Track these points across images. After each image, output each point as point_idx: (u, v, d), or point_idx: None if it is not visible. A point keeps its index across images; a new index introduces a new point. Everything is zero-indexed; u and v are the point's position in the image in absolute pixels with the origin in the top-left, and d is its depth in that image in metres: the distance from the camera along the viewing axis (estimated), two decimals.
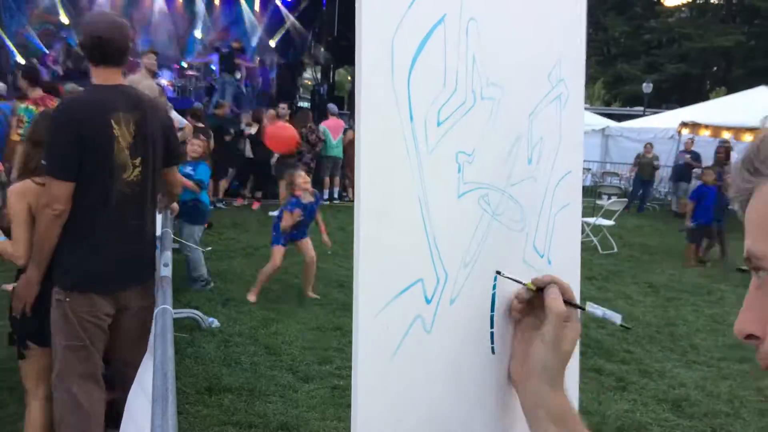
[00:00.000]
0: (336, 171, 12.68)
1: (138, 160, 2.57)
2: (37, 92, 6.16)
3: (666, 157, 15.38)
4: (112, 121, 2.47)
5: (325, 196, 12.19)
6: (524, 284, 0.86)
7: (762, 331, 0.56)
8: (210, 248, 7.96)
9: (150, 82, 6.67)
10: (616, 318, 0.84)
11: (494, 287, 0.89)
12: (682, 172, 14.35)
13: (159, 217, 3.85)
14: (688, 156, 14.12)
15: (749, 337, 0.57)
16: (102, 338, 2.58)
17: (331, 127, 12.23)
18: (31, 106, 6.05)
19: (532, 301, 0.87)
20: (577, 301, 1.05)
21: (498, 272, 0.88)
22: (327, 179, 12.55)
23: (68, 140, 2.39)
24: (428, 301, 0.79)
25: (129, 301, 2.64)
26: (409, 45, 0.74)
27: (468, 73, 0.84)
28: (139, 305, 2.70)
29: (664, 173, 15.90)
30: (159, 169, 2.71)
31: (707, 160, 13.39)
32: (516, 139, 0.94)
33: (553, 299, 0.82)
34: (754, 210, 0.57)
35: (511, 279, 0.87)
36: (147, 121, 2.59)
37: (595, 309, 0.87)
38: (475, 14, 0.84)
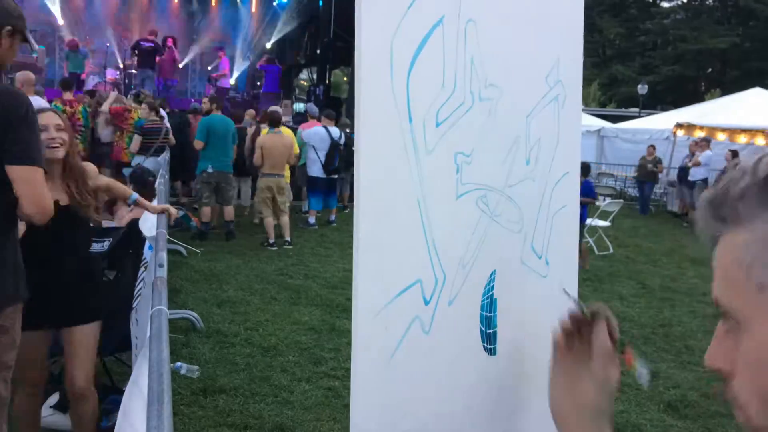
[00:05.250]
0: None
1: None
2: (67, 95, 9.36)
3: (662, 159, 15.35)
4: None
5: (304, 209, 10.67)
6: (583, 312, 0.84)
7: (729, 368, 0.57)
8: (202, 248, 7.95)
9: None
10: (645, 379, 0.86)
11: (492, 288, 0.88)
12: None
13: (153, 219, 3.83)
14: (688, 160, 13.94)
15: (719, 369, 0.58)
16: None
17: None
18: (58, 104, 8.93)
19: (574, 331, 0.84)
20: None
21: (565, 290, 0.86)
22: (305, 189, 10.67)
23: None
24: (427, 302, 0.78)
25: None
26: (408, 46, 0.74)
27: (466, 74, 0.83)
28: None
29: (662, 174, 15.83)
30: None
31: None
32: (514, 141, 0.94)
33: (603, 337, 0.82)
34: (720, 259, 0.57)
35: (572, 298, 0.85)
36: None
37: (640, 365, 0.86)
38: (474, 16, 0.83)
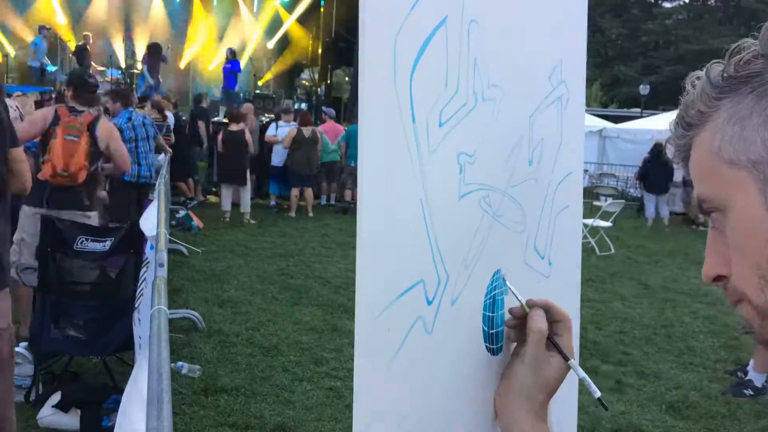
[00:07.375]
0: (332, 177, 12.27)
1: None
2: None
3: None
4: None
5: (323, 202, 12.30)
6: (520, 302, 0.83)
7: (727, 270, 0.57)
8: (204, 248, 7.95)
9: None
10: (596, 392, 0.77)
11: (495, 288, 0.88)
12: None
13: (154, 218, 3.83)
14: None
15: (717, 279, 0.58)
16: None
17: (327, 131, 11.84)
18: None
19: (523, 326, 0.82)
20: (577, 305, 1.05)
21: (511, 289, 0.84)
22: (324, 184, 12.30)
23: None
24: (429, 303, 0.78)
25: None
26: (411, 46, 0.74)
27: (469, 75, 0.83)
28: None
29: None
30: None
31: None
32: (517, 141, 0.94)
33: (536, 320, 0.79)
34: (695, 160, 0.60)
35: (512, 291, 0.85)
36: None
37: (578, 370, 0.79)
38: (477, 16, 0.83)
